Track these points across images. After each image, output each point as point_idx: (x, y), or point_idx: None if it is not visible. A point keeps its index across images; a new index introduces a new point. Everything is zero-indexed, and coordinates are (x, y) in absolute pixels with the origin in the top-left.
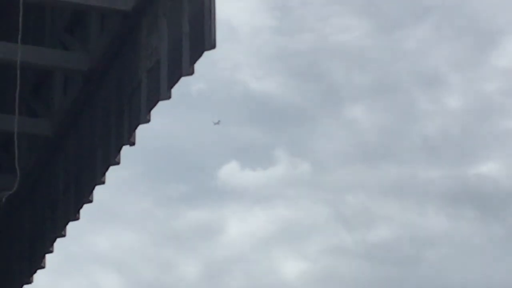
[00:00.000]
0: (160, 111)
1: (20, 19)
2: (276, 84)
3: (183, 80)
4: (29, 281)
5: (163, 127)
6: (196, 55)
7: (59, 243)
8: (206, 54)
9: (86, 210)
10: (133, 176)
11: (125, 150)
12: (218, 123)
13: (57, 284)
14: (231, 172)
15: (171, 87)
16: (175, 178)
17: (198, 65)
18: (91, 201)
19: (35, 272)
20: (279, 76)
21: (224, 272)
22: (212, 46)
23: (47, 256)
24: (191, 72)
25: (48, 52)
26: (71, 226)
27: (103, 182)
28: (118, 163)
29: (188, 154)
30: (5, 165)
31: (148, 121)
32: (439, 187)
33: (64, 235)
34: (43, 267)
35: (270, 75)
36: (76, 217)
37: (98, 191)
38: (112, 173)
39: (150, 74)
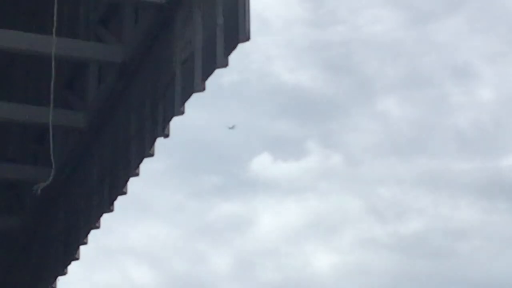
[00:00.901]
0: (193, 103)
1: (55, 12)
2: (309, 76)
3: (216, 72)
4: (64, 273)
5: (196, 119)
6: (230, 47)
7: (93, 235)
8: (240, 46)
9: (120, 202)
10: (166, 169)
11: (159, 142)
12: (233, 127)
13: (90, 276)
14: (263, 164)
15: (205, 79)
16: (207, 170)
17: (231, 57)
18: (125, 193)
19: (69, 263)
20: (311, 68)
21: (256, 265)
22: (247, 38)
23: (81, 248)
24: (225, 64)
25: (82, 45)
26: (105, 218)
27: (137, 174)
28: (152, 155)
29: (220, 146)
30: (40, 157)
31: (182, 113)
32: (472, 179)
33: (98, 227)
34: (78, 259)
35: (302, 67)
36: (110, 209)
37: (132, 183)
38: (146, 165)
39: (184, 66)
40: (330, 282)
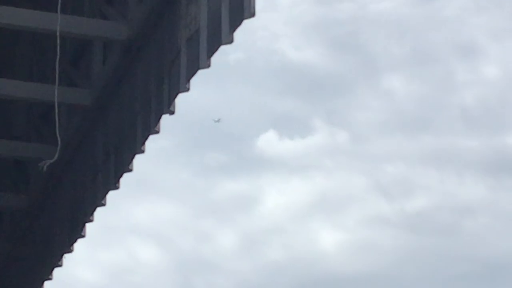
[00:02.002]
0: (199, 81)
1: None
2: (315, 53)
3: (222, 49)
4: (70, 250)
5: (201, 96)
6: (235, 24)
7: (99, 212)
8: (245, 23)
9: (125, 180)
10: (172, 146)
11: (165, 120)
12: (218, 121)
13: (96, 253)
14: (269, 141)
15: (211, 56)
16: (213, 148)
17: (237, 35)
18: (131, 170)
19: (75, 241)
20: (317, 45)
21: (262, 243)
22: (252, 14)
23: (87, 225)
24: (230, 40)
25: (87, 22)
26: (111, 196)
27: (143, 151)
28: (158, 132)
29: (226, 124)
30: (46, 135)
31: (187, 89)
32: (478, 156)
33: (104, 204)
34: (84, 236)
35: (308, 44)
36: (116, 186)
37: (137, 161)
38: (152, 143)
39: (189, 43)
40: (336, 260)
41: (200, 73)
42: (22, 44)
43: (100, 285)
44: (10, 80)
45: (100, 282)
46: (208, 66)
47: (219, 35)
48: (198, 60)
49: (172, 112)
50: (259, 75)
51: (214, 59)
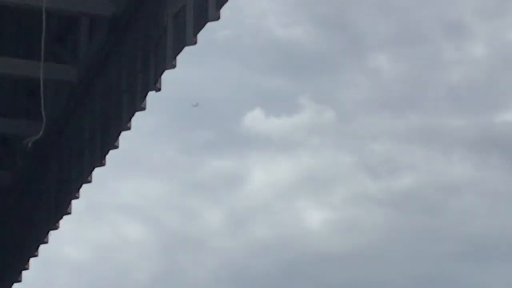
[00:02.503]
0: (186, 58)
1: None
2: (302, 32)
3: (209, 26)
4: (56, 227)
5: (188, 74)
6: (222, 1)
7: (85, 189)
8: (232, 0)
9: (112, 157)
10: (158, 124)
11: (151, 97)
12: (196, 105)
13: (82, 231)
14: (256, 119)
15: (197, 32)
16: (199, 125)
17: (224, 12)
18: (117, 147)
19: (61, 218)
20: (305, 24)
21: (248, 221)
22: None
23: (73, 202)
24: (217, 17)
25: None
26: (97, 173)
27: (129, 128)
28: (144, 108)
29: (212, 102)
30: (32, 112)
31: (174, 66)
32: (465, 135)
33: (90, 181)
34: (69, 213)
35: (296, 23)
36: (102, 163)
37: (123, 139)
38: (137, 121)
39: (176, 19)
40: (323, 238)
41: (187, 50)
42: (8, 20)
43: (86, 263)
44: None
45: (86, 259)
46: (195, 43)
47: (206, 12)
48: (185, 37)
49: (158, 89)
50: (246, 52)
51: (201, 36)
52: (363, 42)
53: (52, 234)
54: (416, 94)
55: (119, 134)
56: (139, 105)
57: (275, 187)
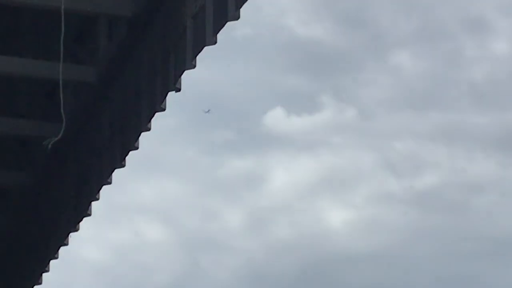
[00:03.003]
0: (206, 57)
1: None
2: (323, 30)
3: (229, 25)
4: (76, 229)
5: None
6: (241, 0)
7: (105, 190)
8: None
9: (131, 158)
10: (178, 124)
11: (171, 98)
12: (208, 111)
13: (102, 232)
14: (277, 118)
15: (217, 32)
16: (219, 125)
17: (244, 10)
18: (137, 148)
19: (81, 220)
20: (325, 21)
21: (269, 221)
22: None
23: (93, 204)
24: (236, 17)
25: None
26: (117, 174)
27: (149, 129)
28: (163, 109)
29: (233, 101)
30: (51, 113)
31: (193, 66)
32: (488, 133)
33: (110, 183)
34: (90, 215)
35: (316, 20)
36: (122, 165)
37: (143, 139)
38: (157, 121)
39: (195, 19)
40: (344, 238)
41: (207, 49)
42: (27, 21)
43: (106, 264)
44: (14, 58)
45: (106, 261)
46: (215, 42)
47: (225, 12)
48: (204, 37)
49: (178, 89)
50: (266, 51)
51: (221, 35)
52: (384, 39)
53: (72, 236)
54: (438, 91)
55: (139, 135)
56: (159, 106)
57: (296, 187)
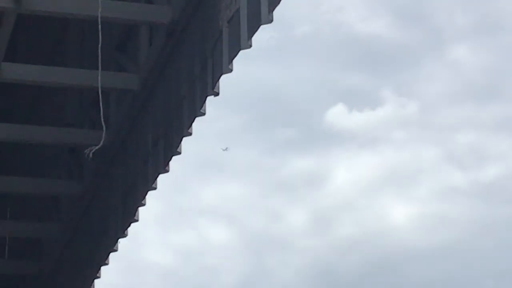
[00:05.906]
0: (265, 57)
1: None
2: (381, 25)
3: (288, 23)
4: (124, 235)
5: (268, 72)
6: (274, 3)
7: (156, 195)
8: None
9: (191, 161)
10: (241, 125)
11: (231, 99)
12: (226, 149)
13: (166, 236)
14: (338, 114)
15: (251, 36)
16: (281, 124)
17: (303, 8)
18: (179, 153)
19: (129, 225)
20: (383, 17)
21: (332, 220)
22: None
23: (140, 209)
24: (269, 20)
25: (131, 6)
26: (161, 179)
27: (190, 134)
28: (203, 113)
29: (294, 100)
30: (97, 121)
31: (230, 70)
32: None
33: (155, 188)
34: (137, 221)
35: (374, 16)
36: (165, 170)
37: (205, 141)
38: (220, 122)
39: (230, 23)
40: (409, 234)
41: (265, 49)
42: (71, 31)
43: (171, 267)
44: (60, 68)
45: (172, 264)
46: (250, 46)
47: (259, 15)
48: (240, 41)
49: (216, 94)
50: (326, 48)
51: (281, 33)
52: (442, 33)
53: (121, 242)
54: (498, 84)
55: (181, 140)
56: (199, 111)
57: (358, 184)
